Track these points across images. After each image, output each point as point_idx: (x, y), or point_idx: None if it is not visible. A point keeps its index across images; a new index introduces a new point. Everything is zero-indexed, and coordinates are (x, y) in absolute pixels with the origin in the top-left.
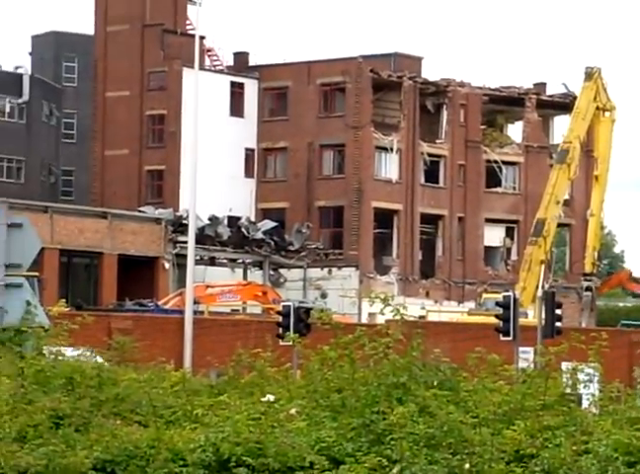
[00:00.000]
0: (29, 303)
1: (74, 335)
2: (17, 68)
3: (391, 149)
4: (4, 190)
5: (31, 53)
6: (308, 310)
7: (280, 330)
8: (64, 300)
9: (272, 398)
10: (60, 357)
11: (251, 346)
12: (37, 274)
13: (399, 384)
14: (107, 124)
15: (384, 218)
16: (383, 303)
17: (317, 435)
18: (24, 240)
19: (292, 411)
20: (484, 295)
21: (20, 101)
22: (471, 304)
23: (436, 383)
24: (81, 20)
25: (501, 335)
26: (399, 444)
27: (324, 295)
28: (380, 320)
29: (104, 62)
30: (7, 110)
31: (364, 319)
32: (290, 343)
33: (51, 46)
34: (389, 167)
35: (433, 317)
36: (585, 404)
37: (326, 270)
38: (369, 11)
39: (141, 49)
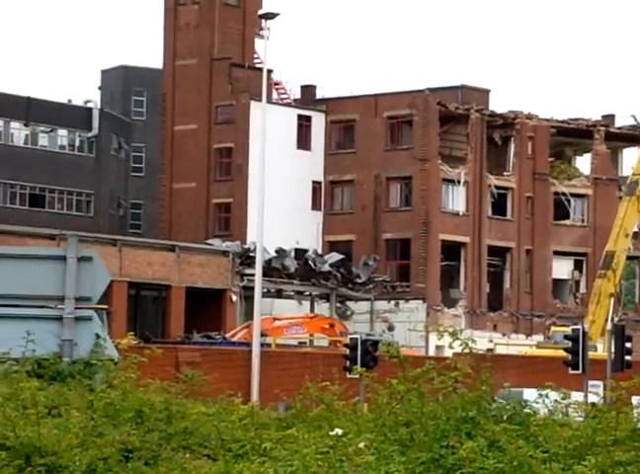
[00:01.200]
0: (98, 336)
1: (142, 367)
2: (87, 102)
3: (458, 181)
4: (74, 223)
5: (100, 88)
6: (375, 343)
7: (348, 362)
8: (133, 333)
9: (340, 432)
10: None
11: (319, 378)
12: (105, 306)
13: (468, 418)
14: (175, 158)
15: (451, 251)
16: (452, 337)
17: (386, 470)
18: (93, 273)
19: (361, 445)
20: (553, 328)
21: (89, 135)
22: (540, 337)
23: (505, 417)
24: (150, 54)
25: (570, 368)
26: None
27: (391, 328)
28: (448, 353)
29: (172, 96)
30: (77, 143)
31: (432, 352)
32: (358, 376)
33: (121, 81)
34: (456, 199)
35: (501, 350)
36: None
37: (393, 302)
38: (437, 43)
39: (209, 83)
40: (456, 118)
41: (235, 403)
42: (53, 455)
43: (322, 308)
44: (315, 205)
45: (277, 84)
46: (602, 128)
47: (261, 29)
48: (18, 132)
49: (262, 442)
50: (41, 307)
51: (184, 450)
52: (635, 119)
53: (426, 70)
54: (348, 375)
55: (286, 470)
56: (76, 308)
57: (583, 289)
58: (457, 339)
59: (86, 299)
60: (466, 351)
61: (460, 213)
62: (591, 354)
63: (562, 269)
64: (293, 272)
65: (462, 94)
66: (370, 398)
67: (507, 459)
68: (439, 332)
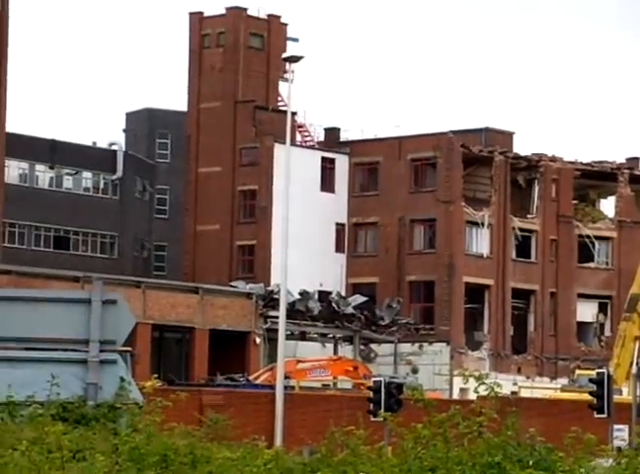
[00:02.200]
0: (122, 379)
1: (166, 410)
2: (111, 145)
3: (482, 224)
4: (98, 265)
5: (125, 130)
6: (399, 385)
7: (371, 405)
8: (156, 375)
9: None
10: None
11: (343, 422)
12: (129, 349)
13: (494, 464)
14: (199, 200)
15: (475, 293)
16: (478, 381)
17: None
18: (118, 316)
19: None
20: (577, 371)
21: (114, 177)
22: (564, 380)
23: (531, 463)
24: (174, 97)
25: (595, 412)
26: None
27: (415, 370)
28: (472, 396)
29: (196, 138)
30: (101, 186)
31: (456, 395)
32: (382, 419)
33: (145, 123)
34: (480, 242)
35: (525, 393)
36: None
37: (417, 345)
38: (461, 86)
39: (233, 125)
40: (480, 161)
41: (259, 447)
42: None
43: (346, 350)
44: (339, 248)
45: (300, 126)
46: (627, 171)
47: (285, 71)
48: (43, 175)
49: None
50: (66, 350)
51: None
52: None
53: (450, 112)
54: (372, 419)
55: None
56: (101, 351)
57: (608, 332)
58: (483, 383)
59: (110, 342)
60: (491, 395)
61: (484, 256)
62: (616, 397)
63: (586, 311)
64: (317, 314)
65: (486, 136)
66: (395, 442)
67: None
68: (464, 376)
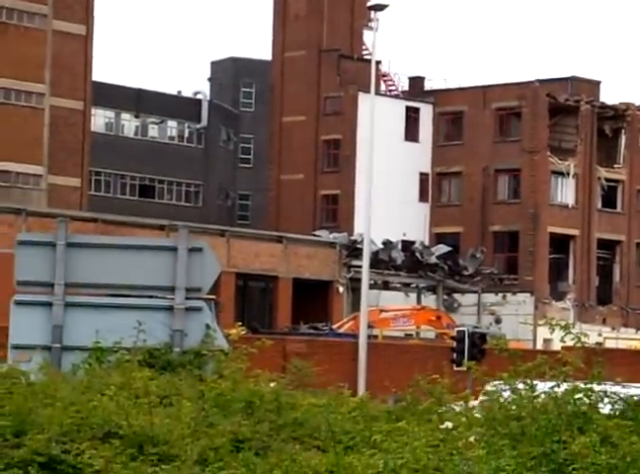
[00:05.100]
0: (208, 326)
1: (251, 358)
2: (196, 94)
3: (567, 174)
4: (183, 213)
5: (210, 79)
6: (483, 335)
7: (455, 355)
8: (240, 323)
9: (450, 425)
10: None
11: (428, 371)
12: (214, 297)
13: (580, 413)
14: (283, 149)
15: (560, 244)
16: (564, 330)
17: (496, 464)
18: (204, 264)
19: (471, 438)
20: None
21: (198, 126)
22: None
23: (617, 413)
24: (259, 46)
25: None
26: None
27: (498, 321)
28: (556, 346)
29: (280, 87)
30: (186, 135)
31: (539, 345)
32: (465, 369)
33: (230, 72)
34: (565, 192)
35: (610, 344)
36: None
37: (500, 295)
38: (546, 34)
39: (318, 75)
40: (566, 110)
41: (344, 395)
42: (165, 444)
43: (429, 300)
44: (422, 197)
45: (385, 76)
46: None
47: (370, 20)
48: (128, 124)
49: (372, 435)
50: (152, 297)
51: (294, 441)
52: None
53: (535, 61)
54: (455, 368)
55: (397, 463)
56: (186, 298)
57: None
58: (570, 333)
59: (196, 290)
60: (577, 345)
61: (569, 206)
62: None
63: None
64: (400, 264)
65: (572, 85)
66: (478, 391)
67: (619, 455)
68: (550, 325)
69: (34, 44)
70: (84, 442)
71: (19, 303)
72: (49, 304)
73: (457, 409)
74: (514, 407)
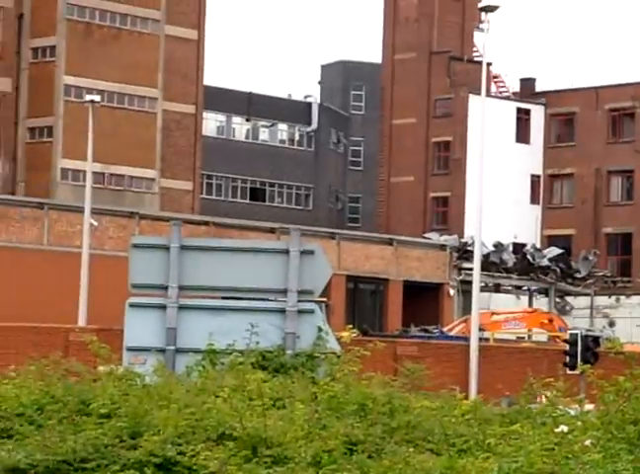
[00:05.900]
0: (320, 329)
1: (363, 361)
2: (306, 97)
3: None
4: (293, 216)
5: (320, 82)
6: (596, 339)
7: (567, 358)
8: (351, 326)
9: (565, 429)
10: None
11: (543, 374)
12: (325, 299)
13: None
14: (393, 151)
15: None
16: None
17: (613, 468)
18: (315, 267)
19: (587, 442)
20: None
21: (309, 129)
22: None
23: None
24: (369, 48)
25: None
26: None
27: (612, 324)
28: None
29: (391, 90)
30: (297, 138)
31: None
32: (578, 372)
33: (340, 75)
34: None
35: None
36: None
37: (614, 297)
38: None
39: (428, 77)
40: None
41: (458, 398)
42: (279, 446)
43: (540, 303)
44: (534, 199)
45: (495, 77)
46: None
47: (480, 21)
48: (239, 127)
49: (485, 438)
50: (264, 300)
51: (407, 444)
52: None
53: None
54: (567, 371)
55: (511, 466)
56: (299, 301)
57: None
58: None
59: (308, 292)
60: None
61: None
62: None
63: None
64: (511, 266)
65: None
66: (593, 395)
67: None
68: None
69: (146, 49)
70: (199, 444)
71: (133, 306)
72: (163, 307)
73: (572, 412)
74: (631, 411)
